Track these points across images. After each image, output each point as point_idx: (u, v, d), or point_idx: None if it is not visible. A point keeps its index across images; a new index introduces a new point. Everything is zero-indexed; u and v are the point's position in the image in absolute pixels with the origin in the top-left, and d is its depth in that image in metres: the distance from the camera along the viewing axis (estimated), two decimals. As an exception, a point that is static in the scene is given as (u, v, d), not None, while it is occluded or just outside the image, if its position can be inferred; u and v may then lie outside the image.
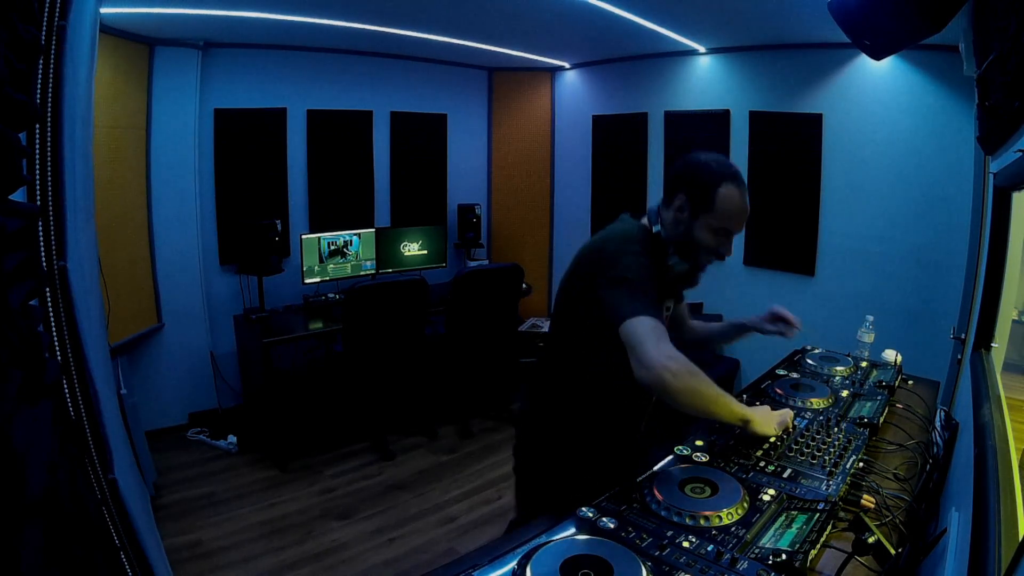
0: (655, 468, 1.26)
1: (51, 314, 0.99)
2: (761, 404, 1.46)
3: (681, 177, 1.36)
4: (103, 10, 2.37)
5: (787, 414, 1.42)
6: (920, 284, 3.07)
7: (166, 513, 2.82)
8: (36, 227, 0.97)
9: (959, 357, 2.17)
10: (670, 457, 1.32)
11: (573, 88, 4.67)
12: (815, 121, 3.34)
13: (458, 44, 3.81)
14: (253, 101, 3.73)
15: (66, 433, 0.95)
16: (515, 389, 4.27)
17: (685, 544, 1.00)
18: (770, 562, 0.94)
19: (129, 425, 2.37)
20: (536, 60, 4.50)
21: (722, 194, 1.30)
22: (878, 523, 1.08)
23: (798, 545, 0.98)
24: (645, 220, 1.43)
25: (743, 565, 0.94)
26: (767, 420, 1.35)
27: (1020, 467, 0.93)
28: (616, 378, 1.35)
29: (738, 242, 3.72)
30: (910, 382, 1.93)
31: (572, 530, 1.05)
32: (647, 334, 1.16)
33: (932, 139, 2.98)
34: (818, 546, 1.00)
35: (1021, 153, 1.07)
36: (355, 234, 4.00)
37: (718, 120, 3.74)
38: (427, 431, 3.73)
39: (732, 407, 1.27)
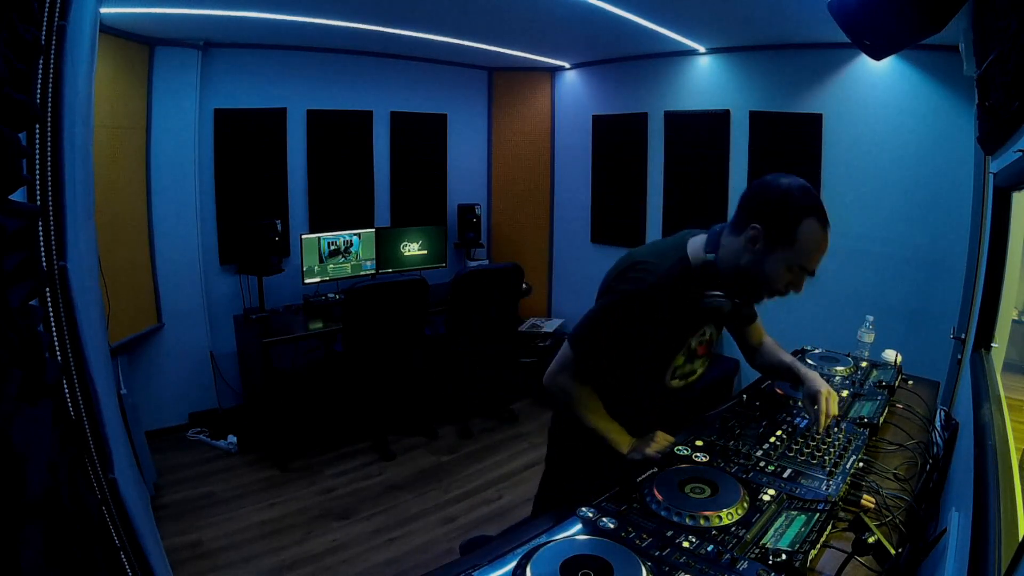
0: (655, 468, 1.26)
1: (51, 314, 0.99)
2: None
3: (758, 205, 1.23)
4: (103, 10, 2.38)
5: (659, 443, 1.34)
6: (920, 284, 3.07)
7: (166, 513, 2.82)
8: (36, 227, 0.97)
9: (959, 357, 2.17)
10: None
11: (573, 88, 4.66)
12: (815, 121, 3.33)
13: (458, 44, 3.81)
14: (253, 101, 3.73)
15: (66, 433, 0.95)
16: (515, 389, 4.27)
17: (685, 544, 1.00)
18: (770, 562, 0.94)
19: (129, 425, 2.37)
20: (536, 60, 4.50)
21: (805, 230, 1.18)
22: (878, 523, 1.08)
23: (798, 545, 0.98)
24: (701, 241, 1.34)
25: (743, 565, 0.94)
26: (625, 442, 1.37)
27: (1020, 467, 0.93)
28: (622, 391, 1.43)
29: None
30: (910, 382, 1.93)
31: (572, 530, 1.05)
32: (559, 358, 1.41)
33: (932, 139, 2.97)
34: (818, 546, 1.00)
35: (1021, 153, 1.08)
36: (355, 234, 4.00)
37: (718, 120, 3.74)
38: (427, 431, 3.73)
39: (599, 424, 1.39)
